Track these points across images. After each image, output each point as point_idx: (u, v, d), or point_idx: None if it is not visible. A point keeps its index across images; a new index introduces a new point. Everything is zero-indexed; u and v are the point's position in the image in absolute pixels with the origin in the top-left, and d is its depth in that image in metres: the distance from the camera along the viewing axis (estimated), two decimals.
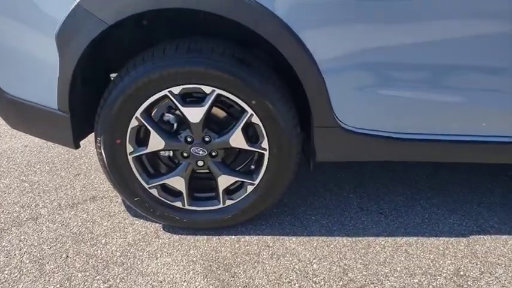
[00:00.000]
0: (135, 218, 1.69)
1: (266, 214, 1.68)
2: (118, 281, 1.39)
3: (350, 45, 1.29)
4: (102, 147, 1.43)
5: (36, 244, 1.54)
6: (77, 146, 1.48)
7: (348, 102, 1.38)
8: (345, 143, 1.46)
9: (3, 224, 1.64)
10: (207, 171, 1.52)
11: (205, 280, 1.40)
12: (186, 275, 1.42)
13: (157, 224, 1.64)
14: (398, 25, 1.28)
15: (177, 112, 1.44)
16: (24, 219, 1.68)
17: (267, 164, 1.48)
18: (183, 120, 1.43)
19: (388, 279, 1.41)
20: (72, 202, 1.78)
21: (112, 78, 1.68)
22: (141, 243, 1.56)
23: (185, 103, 1.38)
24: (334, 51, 1.29)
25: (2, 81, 1.39)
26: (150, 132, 1.42)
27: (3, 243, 1.54)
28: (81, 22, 1.24)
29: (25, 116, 1.45)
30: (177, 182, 1.51)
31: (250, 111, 1.39)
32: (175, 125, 1.46)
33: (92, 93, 1.46)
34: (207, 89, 1.35)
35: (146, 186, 1.51)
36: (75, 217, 1.69)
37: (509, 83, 1.33)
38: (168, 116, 1.46)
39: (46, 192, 1.85)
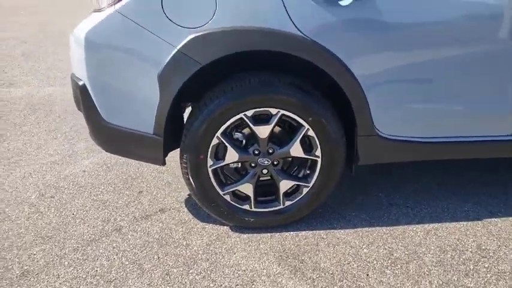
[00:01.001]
0: (204, 223, 1.98)
1: (314, 214, 2.00)
2: (209, 272, 1.68)
3: (384, 70, 1.66)
4: (187, 162, 1.74)
5: (128, 249, 1.81)
6: (164, 163, 1.78)
7: (385, 115, 1.74)
8: (381, 148, 1.81)
9: (93, 235, 1.91)
10: (269, 177, 1.84)
11: (280, 266, 1.70)
12: (263, 264, 1.72)
13: (225, 226, 1.94)
14: (422, 51, 1.65)
15: (245, 130, 1.77)
16: (109, 230, 1.94)
17: (320, 169, 1.81)
18: (252, 137, 1.76)
19: (426, 256, 1.75)
20: (145, 214, 2.06)
21: (187, 106, 2.02)
22: (217, 243, 1.85)
23: (255, 122, 1.71)
24: (373, 75, 1.66)
25: (104, 112, 1.69)
26: (227, 148, 1.74)
27: (100, 250, 1.81)
28: (180, 64, 1.57)
29: (122, 141, 1.74)
30: (246, 188, 1.82)
31: (306, 126, 1.73)
32: (243, 141, 1.79)
33: (175, 118, 1.78)
34: (273, 111, 1.70)
35: (221, 193, 1.82)
36: (152, 226, 1.97)
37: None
38: (237, 134, 1.79)
39: (119, 208, 2.12)
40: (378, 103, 1.70)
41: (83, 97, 1.71)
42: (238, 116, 1.69)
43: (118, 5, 1.56)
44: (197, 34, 1.54)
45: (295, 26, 1.55)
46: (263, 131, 1.72)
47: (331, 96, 1.75)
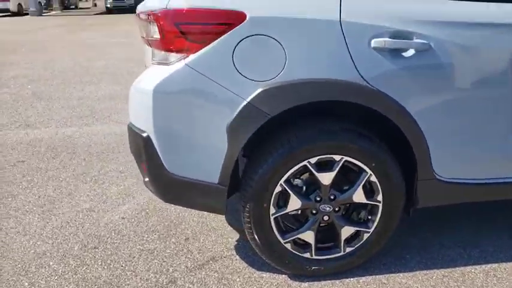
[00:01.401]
0: (261, 272, 1.94)
1: (371, 257, 1.98)
2: None
3: (444, 115, 1.69)
4: (250, 212, 1.72)
5: None
6: (225, 212, 1.77)
7: (443, 158, 1.77)
8: (439, 191, 1.83)
9: None
10: (327, 224, 1.83)
11: None
12: None
13: (283, 275, 1.90)
14: (480, 96, 1.70)
15: (303, 176, 1.78)
16: (165, 283, 1.89)
17: (381, 213, 1.81)
18: (313, 183, 1.76)
19: None
20: (197, 264, 2.02)
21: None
22: None
23: (319, 169, 1.72)
24: (434, 120, 1.69)
25: (168, 163, 1.68)
26: (289, 195, 1.74)
27: None
28: (249, 115, 1.59)
29: (184, 191, 1.73)
30: (308, 236, 1.81)
31: (369, 171, 1.74)
32: (304, 187, 1.79)
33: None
34: (337, 157, 1.71)
35: (282, 241, 1.80)
36: (208, 276, 1.92)
37: None
38: (297, 181, 1.79)
39: (168, 258, 2.07)
40: (438, 147, 1.73)
41: (146, 148, 1.70)
42: (302, 164, 1.69)
43: (188, 59, 1.58)
44: (267, 87, 1.56)
45: (361, 76, 1.59)
46: (326, 178, 1.73)
47: (392, 142, 1.78)
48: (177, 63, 1.59)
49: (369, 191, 1.80)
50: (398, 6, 1.61)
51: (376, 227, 1.83)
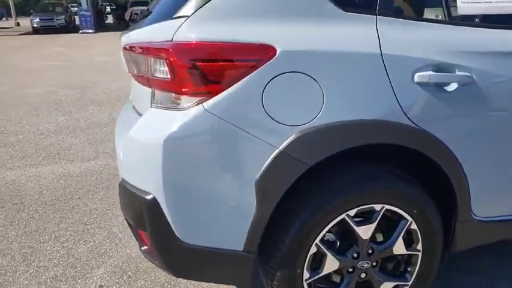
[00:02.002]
0: None
1: None
2: None
3: (487, 153, 1.55)
4: (280, 280, 1.44)
5: None
6: (251, 286, 1.46)
7: (481, 198, 1.62)
8: (477, 231, 1.68)
9: None
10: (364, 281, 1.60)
11: None
12: None
13: None
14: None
15: (336, 230, 1.53)
16: None
17: (420, 263, 1.62)
18: (350, 238, 1.52)
19: None
20: None
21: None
22: None
23: (358, 222, 1.49)
24: (476, 158, 1.53)
25: (181, 231, 1.35)
26: (326, 255, 1.48)
27: None
28: (283, 167, 1.31)
29: (200, 263, 1.40)
30: None
31: (410, 219, 1.54)
32: (338, 243, 1.55)
33: None
34: (377, 207, 1.49)
35: None
36: None
37: None
38: (329, 236, 1.54)
39: None
40: (477, 186, 1.58)
41: (151, 214, 1.35)
42: (339, 218, 1.45)
43: (207, 104, 1.28)
44: (304, 132, 1.30)
45: (405, 115, 1.39)
46: (366, 231, 1.50)
47: (429, 184, 1.60)
48: (193, 108, 1.28)
49: (409, 240, 1.60)
50: (439, 35, 1.45)
51: (415, 279, 1.63)
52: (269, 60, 1.28)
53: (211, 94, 1.28)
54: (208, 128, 1.28)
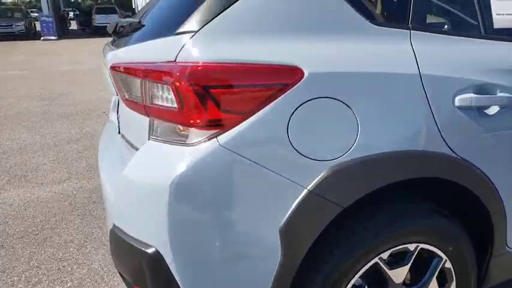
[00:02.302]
0: None
1: None
2: None
3: None
4: None
5: None
6: None
7: None
8: (509, 264, 1.53)
9: None
10: None
11: None
12: None
13: None
14: None
15: (368, 276, 1.34)
16: None
17: None
18: (380, 283, 1.34)
19: None
20: None
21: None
22: None
23: (390, 265, 1.30)
24: None
25: None
26: None
27: None
28: (314, 209, 1.11)
29: None
30: None
31: (444, 257, 1.38)
32: None
33: None
34: (411, 247, 1.31)
35: None
36: None
37: None
38: (358, 281, 1.35)
39: None
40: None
41: (153, 271, 1.11)
42: (372, 263, 1.26)
43: (222, 138, 1.05)
44: (337, 168, 1.10)
45: (446, 144, 1.22)
46: (399, 274, 1.32)
47: (463, 218, 1.44)
48: (206, 143, 1.05)
49: (442, 280, 1.43)
50: (478, 51, 1.29)
51: None
52: (295, 84, 1.07)
53: (227, 126, 1.06)
54: (225, 167, 1.06)
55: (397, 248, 1.29)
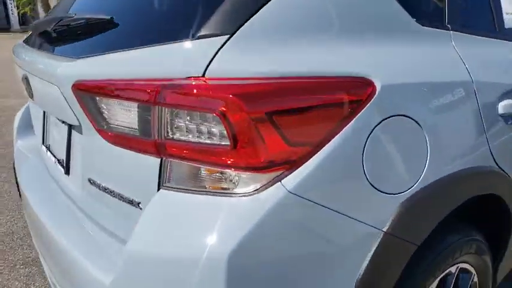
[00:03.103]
0: None
1: None
2: None
3: None
4: None
5: None
6: None
7: None
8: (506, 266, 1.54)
9: None
10: None
11: None
12: None
13: None
14: None
15: None
16: None
17: None
18: None
19: None
20: None
21: None
22: None
23: None
24: None
25: None
26: None
27: None
28: (391, 255, 0.88)
29: None
30: None
31: (474, 272, 1.29)
32: None
33: None
34: (453, 269, 1.19)
35: None
36: None
37: None
38: None
39: None
40: None
41: None
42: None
43: (288, 181, 0.75)
44: (412, 201, 0.90)
45: (494, 159, 1.11)
46: None
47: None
48: (267, 190, 0.74)
49: None
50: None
51: None
52: (369, 101, 0.83)
53: (294, 165, 0.77)
54: (297, 221, 0.77)
55: (445, 273, 1.16)
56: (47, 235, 1.11)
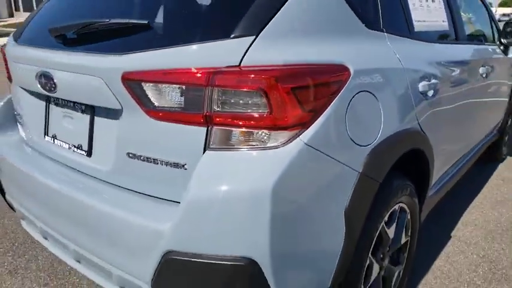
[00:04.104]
0: None
1: None
2: None
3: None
4: None
5: None
6: None
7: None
8: (430, 203, 2.05)
9: None
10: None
11: None
12: None
13: None
14: None
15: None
16: None
17: (409, 246, 1.85)
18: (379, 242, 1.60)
19: None
20: None
21: None
22: None
23: (387, 225, 1.58)
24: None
25: None
26: (373, 264, 1.52)
27: None
28: (364, 189, 1.27)
29: None
30: None
31: (408, 210, 1.75)
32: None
33: None
34: (396, 207, 1.62)
35: None
36: None
37: None
38: None
39: None
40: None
41: (248, 281, 1.06)
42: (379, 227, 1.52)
43: (304, 137, 1.09)
44: (377, 149, 1.30)
45: (418, 122, 1.58)
46: (392, 231, 1.62)
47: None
48: (291, 143, 1.07)
49: (406, 229, 1.80)
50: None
51: (406, 261, 1.86)
52: (347, 81, 1.21)
53: (306, 125, 1.11)
54: (311, 164, 1.12)
55: (391, 210, 1.58)
56: (81, 208, 1.29)
